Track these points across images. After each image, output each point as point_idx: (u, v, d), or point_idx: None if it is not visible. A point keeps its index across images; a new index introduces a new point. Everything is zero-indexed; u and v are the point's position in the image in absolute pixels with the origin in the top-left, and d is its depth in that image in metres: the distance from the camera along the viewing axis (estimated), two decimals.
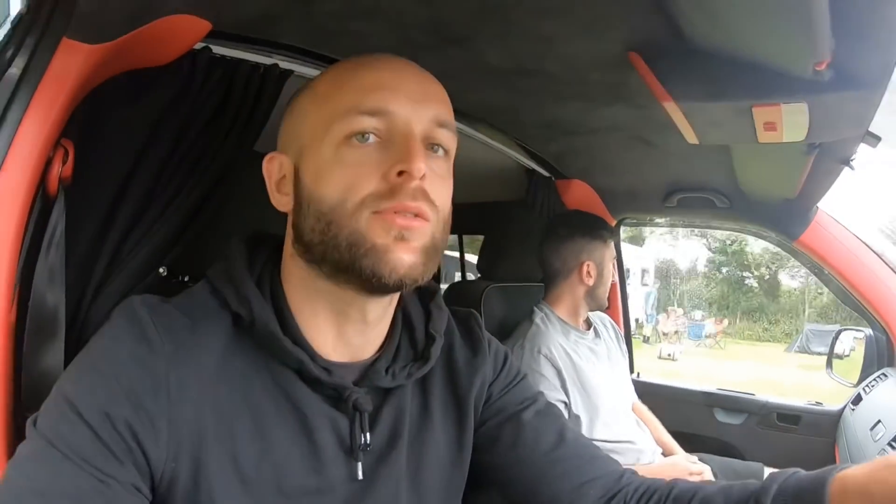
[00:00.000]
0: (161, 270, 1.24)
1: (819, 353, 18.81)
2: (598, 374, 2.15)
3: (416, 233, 0.81)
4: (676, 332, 21.65)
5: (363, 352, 0.93)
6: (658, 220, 3.48)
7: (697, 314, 27.05)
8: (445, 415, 1.00)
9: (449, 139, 0.88)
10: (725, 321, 26.35)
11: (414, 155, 0.79)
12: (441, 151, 0.87)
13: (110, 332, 0.79)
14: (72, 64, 0.98)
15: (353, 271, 0.80)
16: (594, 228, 2.29)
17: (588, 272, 2.23)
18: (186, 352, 0.79)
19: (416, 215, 0.81)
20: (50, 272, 1.03)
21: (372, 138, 0.82)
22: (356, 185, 0.80)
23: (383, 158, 0.81)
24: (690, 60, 1.25)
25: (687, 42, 1.20)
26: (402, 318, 0.99)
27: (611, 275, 2.32)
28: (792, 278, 31.49)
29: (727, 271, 32.06)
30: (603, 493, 1.01)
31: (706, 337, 22.96)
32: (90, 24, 0.96)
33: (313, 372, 0.84)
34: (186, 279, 1.38)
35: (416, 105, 0.84)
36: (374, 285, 0.81)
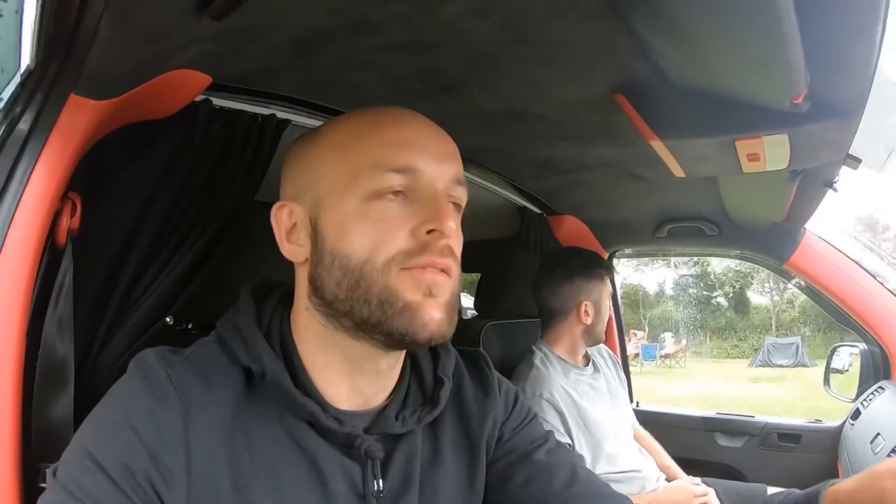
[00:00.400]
0: (167, 319, 1.25)
1: (780, 366, 19.01)
2: (598, 410, 2.14)
3: (443, 288, 0.83)
4: (636, 354, 21.57)
5: (374, 399, 0.93)
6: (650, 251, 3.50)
7: (667, 336, 27.08)
8: (456, 456, 0.99)
9: (463, 196, 0.90)
10: (683, 341, 26.65)
11: (445, 214, 0.82)
12: (457, 207, 0.89)
13: (128, 386, 0.79)
14: (79, 119, 1.00)
15: (383, 328, 0.81)
16: (591, 267, 2.28)
17: (586, 311, 2.22)
18: (201, 407, 0.79)
19: (442, 270, 0.83)
20: (59, 323, 1.04)
21: (398, 195, 0.83)
22: (385, 243, 0.81)
23: (410, 215, 0.83)
24: (673, 99, 1.29)
25: (669, 82, 1.23)
26: (410, 362, 0.99)
27: (608, 311, 2.31)
28: (760, 294, 31.33)
29: (694, 292, 31.97)
30: None
31: (663, 357, 23.06)
32: (97, 81, 0.99)
33: (325, 423, 0.84)
34: (191, 327, 1.40)
35: (439, 163, 0.86)
36: (404, 342, 0.83)
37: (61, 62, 0.96)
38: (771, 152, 1.40)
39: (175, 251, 1.23)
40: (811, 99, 1.18)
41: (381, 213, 0.83)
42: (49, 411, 1.01)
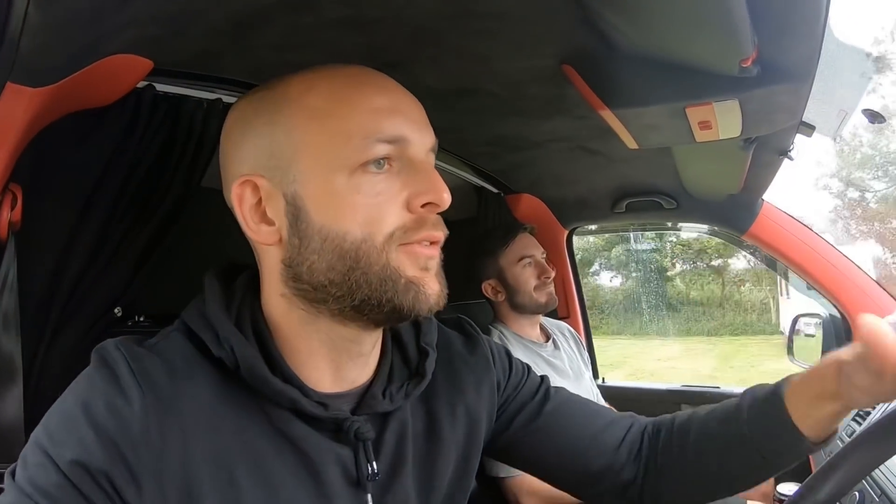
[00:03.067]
0: (116, 311, 1.22)
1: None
2: None
3: (435, 261, 0.83)
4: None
5: (359, 380, 0.89)
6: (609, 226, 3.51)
7: None
8: (454, 426, 0.96)
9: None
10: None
11: (439, 186, 0.80)
12: None
13: (88, 379, 0.74)
14: (16, 108, 0.96)
15: (385, 307, 0.79)
16: (480, 246, 2.33)
17: (493, 289, 2.26)
18: (167, 402, 0.73)
19: (432, 243, 0.82)
20: (4, 320, 1.01)
21: (386, 165, 0.79)
22: (382, 218, 0.78)
23: (400, 187, 0.79)
24: (621, 68, 1.27)
25: (617, 50, 1.22)
26: (391, 336, 0.95)
27: (523, 278, 2.24)
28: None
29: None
30: (630, 447, 1.06)
31: None
32: (33, 68, 0.95)
33: (309, 409, 0.79)
34: (142, 319, 1.38)
35: (422, 130, 0.83)
36: (406, 317, 0.82)
37: None
38: (723, 119, 1.39)
39: (122, 241, 1.20)
40: (760, 62, 1.17)
41: (372, 186, 0.77)
42: None
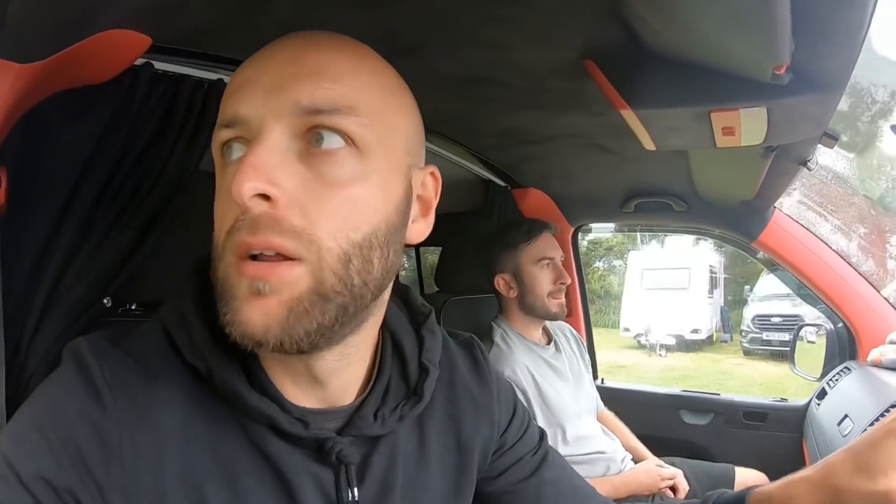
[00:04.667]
0: (105, 301, 1.17)
1: None
2: (559, 392, 2.10)
3: (277, 283, 0.62)
4: None
5: (343, 396, 0.77)
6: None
7: None
8: (444, 458, 0.86)
9: (345, 123, 0.64)
10: None
11: (243, 173, 0.59)
12: (333, 142, 0.64)
13: (58, 383, 0.66)
14: (2, 85, 0.90)
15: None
16: (500, 237, 2.24)
17: (506, 284, 2.19)
18: (141, 411, 0.65)
19: (282, 255, 0.62)
20: None
21: (237, 153, 0.65)
22: (221, 217, 0.65)
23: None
24: (647, 67, 1.23)
25: (643, 48, 1.18)
26: (391, 347, 0.83)
27: (539, 280, 2.16)
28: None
29: None
30: None
31: None
32: (20, 41, 0.89)
33: (286, 426, 0.69)
34: (134, 307, 1.31)
35: (274, 95, 0.63)
36: (254, 352, 0.68)
37: None
38: (747, 126, 1.34)
39: (112, 227, 1.15)
40: (793, 70, 1.12)
41: (221, 179, 0.66)
42: None
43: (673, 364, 13.40)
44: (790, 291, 13.67)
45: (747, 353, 13.69)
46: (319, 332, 0.64)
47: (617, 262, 22.95)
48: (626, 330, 15.08)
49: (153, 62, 1.18)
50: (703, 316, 15.49)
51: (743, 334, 14.45)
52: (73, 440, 0.62)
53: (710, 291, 16.52)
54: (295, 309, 0.62)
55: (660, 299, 15.78)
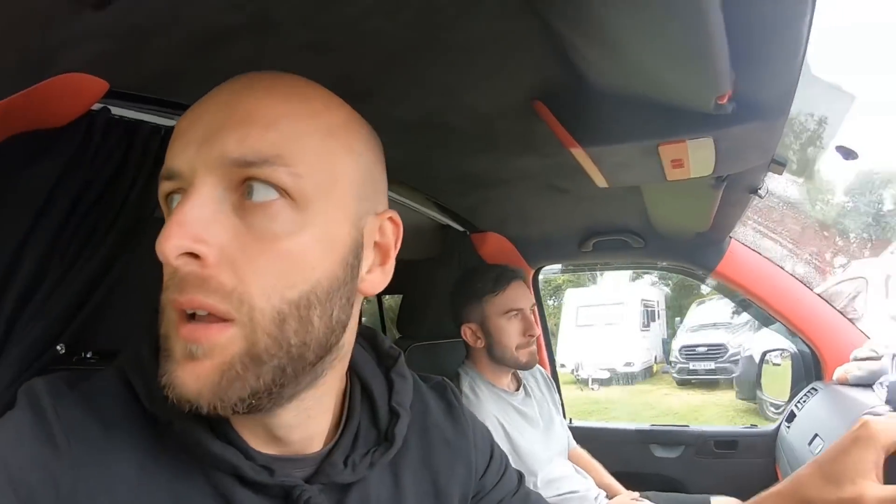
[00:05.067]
0: (59, 348, 1.13)
1: None
2: (529, 440, 2.06)
3: (208, 347, 0.59)
4: None
5: (309, 446, 0.74)
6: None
7: None
8: (420, 502, 0.83)
9: (276, 174, 0.60)
10: None
11: (170, 225, 0.58)
12: (265, 194, 0.61)
13: (10, 425, 0.61)
14: None
15: None
16: (466, 286, 2.18)
17: (473, 333, 2.14)
18: (96, 458, 0.61)
19: (216, 315, 0.59)
20: None
21: (176, 204, 0.62)
22: (164, 272, 0.62)
23: None
24: (594, 105, 1.24)
25: (590, 86, 1.19)
26: (360, 391, 0.81)
27: (507, 332, 2.10)
28: None
29: None
30: None
31: None
32: None
33: (250, 475, 0.66)
34: (89, 356, 1.28)
35: (205, 146, 0.61)
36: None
37: None
38: (695, 157, 1.36)
39: (66, 272, 1.13)
40: (736, 99, 1.15)
41: None
42: None
43: (599, 397, 13.51)
44: (716, 321, 14.04)
45: (681, 383, 13.78)
46: (255, 396, 0.61)
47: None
48: (563, 366, 15.11)
49: (110, 107, 1.17)
50: (636, 349, 15.78)
51: (672, 365, 14.59)
52: (24, 484, 0.58)
53: (647, 325, 16.86)
54: (227, 373, 0.59)
55: (593, 335, 16.10)
